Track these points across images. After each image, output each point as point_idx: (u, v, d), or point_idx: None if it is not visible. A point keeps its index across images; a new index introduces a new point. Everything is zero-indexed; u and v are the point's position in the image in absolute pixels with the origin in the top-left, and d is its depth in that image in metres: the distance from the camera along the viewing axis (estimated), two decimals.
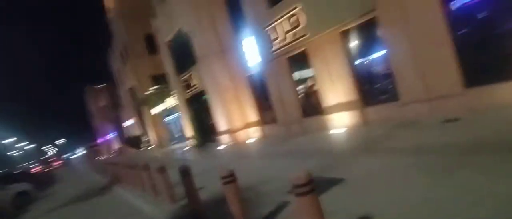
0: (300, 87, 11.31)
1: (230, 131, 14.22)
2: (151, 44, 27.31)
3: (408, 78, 7.50)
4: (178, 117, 26.70)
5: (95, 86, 51.62)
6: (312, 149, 8.25)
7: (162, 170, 6.46)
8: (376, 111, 8.54)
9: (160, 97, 23.40)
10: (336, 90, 9.43)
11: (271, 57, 11.45)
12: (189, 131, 18.84)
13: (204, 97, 16.60)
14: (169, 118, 27.73)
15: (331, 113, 9.78)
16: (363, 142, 7.22)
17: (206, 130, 17.51)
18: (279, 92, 11.78)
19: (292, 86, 11.22)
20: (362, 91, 8.93)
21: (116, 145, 49.34)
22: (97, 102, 52.53)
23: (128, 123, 36.40)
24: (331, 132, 9.52)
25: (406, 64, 7.48)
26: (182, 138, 26.35)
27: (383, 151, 6.04)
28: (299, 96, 11.23)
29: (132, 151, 31.39)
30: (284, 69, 11.28)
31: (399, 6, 7.25)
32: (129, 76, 28.89)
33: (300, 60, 10.76)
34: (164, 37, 18.05)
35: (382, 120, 8.30)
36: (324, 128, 10.12)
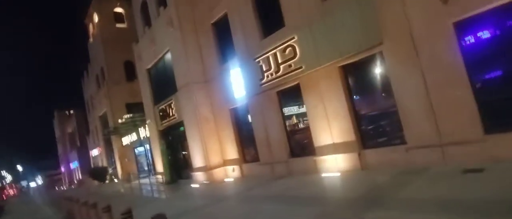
0: (289, 124, 10.15)
1: (206, 168, 12.49)
2: (129, 71, 25.81)
3: (417, 120, 6.55)
4: (149, 150, 24.54)
5: (64, 111, 47.82)
6: (304, 194, 6.83)
7: (107, 209, 4.89)
8: (377, 155, 7.42)
9: (133, 126, 21.30)
10: (331, 129, 8.32)
11: (259, 90, 10.33)
12: (160, 165, 16.76)
13: (181, 128, 14.98)
14: (140, 149, 25.36)
15: (323, 154, 8.55)
16: (367, 189, 5.95)
17: (179, 166, 15.59)
18: (265, 128, 10.51)
19: (281, 122, 10.01)
20: (362, 132, 7.87)
21: (78, 176, 44.63)
22: (64, 128, 48.37)
23: (95, 152, 33.08)
24: (323, 175, 8.22)
25: (415, 104, 6.57)
26: (152, 172, 23.94)
27: (398, 203, 4.79)
28: (288, 134, 10.01)
29: (95, 183, 27.95)
30: (273, 103, 10.14)
31: (409, 40, 6.51)
32: (102, 102, 26.61)
33: (291, 95, 9.72)
34: (145, 64, 16.66)
35: (384, 165, 7.16)
36: (314, 170, 8.81)
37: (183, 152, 15.22)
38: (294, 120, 10.03)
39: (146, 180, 20.34)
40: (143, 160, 25.59)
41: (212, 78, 12.86)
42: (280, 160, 10.07)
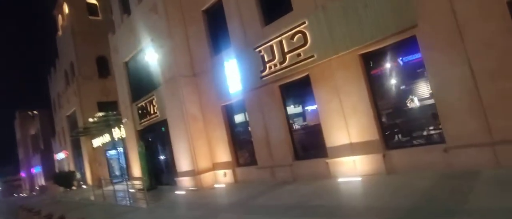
0: (294, 122, 8.82)
1: (193, 173, 10.79)
2: (102, 67, 23.38)
3: (461, 115, 5.49)
4: (123, 152, 22.18)
5: (27, 112, 43.22)
6: (330, 204, 5.48)
7: None
8: (406, 156, 6.27)
9: (106, 126, 18.96)
10: (348, 127, 7.09)
11: (259, 83, 8.93)
12: (137, 170, 14.70)
13: (163, 128, 13.14)
14: (113, 152, 22.84)
15: (338, 156, 7.30)
16: (418, 197, 4.70)
17: (160, 170, 13.68)
18: (265, 127, 9.10)
19: (284, 120, 8.65)
20: (387, 130, 6.72)
21: (41, 181, 40.28)
22: (26, 130, 43.69)
23: (61, 156, 29.70)
24: (340, 180, 6.94)
25: (458, 97, 5.50)
26: (125, 178, 21.54)
27: (479, 216, 3.58)
28: (292, 133, 8.66)
29: (59, 190, 24.79)
30: (274, 99, 8.78)
31: (451, 21, 5.46)
32: (71, 100, 23.77)
33: (298, 88, 8.42)
34: (123, 57, 14.63)
35: (416, 168, 6.03)
36: (325, 175, 7.54)
37: (165, 155, 13.37)
38: (300, 117, 8.72)
39: (120, 186, 18.05)
40: (116, 164, 23.06)
41: (202, 72, 11.26)
42: (282, 164, 8.69)
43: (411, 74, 6.34)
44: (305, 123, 8.60)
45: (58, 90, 27.85)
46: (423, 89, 6.11)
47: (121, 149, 22.47)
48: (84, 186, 22.69)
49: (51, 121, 33.71)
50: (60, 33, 26.28)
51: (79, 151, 23.95)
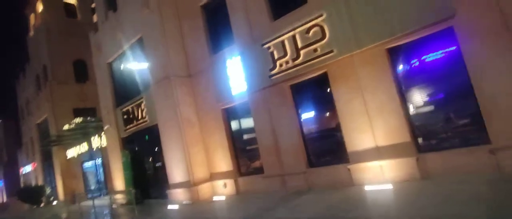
0: (308, 125, 8.10)
1: (189, 184, 9.75)
2: (80, 71, 21.79)
3: (509, 111, 5.03)
4: (101, 164, 20.51)
5: None
6: (368, 216, 4.78)
7: None
8: (443, 159, 5.71)
9: (83, 135, 17.38)
10: (373, 129, 6.48)
11: (267, 83, 8.20)
12: (120, 182, 13.34)
13: (148, 136, 12.04)
14: (90, 164, 21.06)
15: (361, 161, 6.64)
16: (476, 205, 4.09)
17: (147, 182, 12.43)
18: (273, 131, 8.33)
19: (295, 123, 7.93)
20: (419, 131, 6.17)
21: (3, 198, 36.80)
22: None
23: (28, 169, 27.17)
24: (368, 188, 6.25)
25: (504, 91, 5.06)
26: (103, 192, 19.83)
27: None
28: (305, 137, 7.95)
29: (24, 207, 22.39)
30: (285, 99, 8.07)
31: (495, 11, 5.06)
32: (42, 107, 21.81)
33: (312, 87, 7.77)
34: (106, 57, 13.45)
35: (455, 172, 5.47)
36: (346, 182, 6.85)
37: (154, 165, 12.19)
38: (315, 119, 8.04)
39: (98, 201, 16.47)
40: (92, 177, 21.24)
41: (198, 72, 10.38)
42: (294, 171, 7.92)
43: (446, 68, 5.86)
44: (321, 125, 7.93)
45: (28, 96, 25.64)
46: (461, 84, 5.63)
47: (99, 160, 20.84)
48: (55, 202, 20.62)
49: (18, 130, 31.04)
50: (31, 33, 24.38)
51: (49, 163, 21.87)
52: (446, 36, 5.68)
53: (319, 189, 7.27)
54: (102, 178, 20.86)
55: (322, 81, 7.35)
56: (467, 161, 5.41)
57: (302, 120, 7.98)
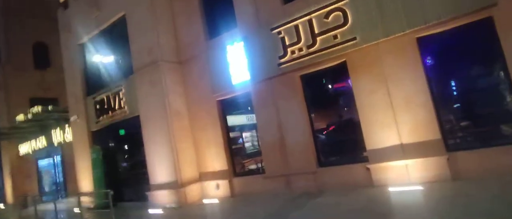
0: (318, 119, 7.46)
1: (177, 184, 8.64)
2: (40, 56, 19.50)
3: None
4: (61, 161, 18.41)
5: None
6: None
7: None
8: (477, 158, 5.31)
9: (41, 127, 15.36)
10: (398, 124, 5.98)
11: (274, 72, 7.48)
12: (87, 182, 11.75)
13: (123, 129, 10.74)
14: (45, 162, 18.81)
15: (383, 160, 6.11)
16: None
17: (121, 182, 11.03)
18: (278, 126, 7.58)
19: (305, 117, 7.25)
20: (450, 127, 5.77)
21: None
22: None
23: None
24: (392, 189, 5.71)
25: None
26: (62, 194, 17.73)
27: None
28: (315, 133, 7.28)
29: None
30: (293, 91, 7.37)
31: None
32: None
33: (327, 78, 7.19)
34: (78, 37, 11.87)
35: (492, 172, 5.10)
36: (364, 183, 6.29)
37: (131, 162, 10.84)
38: (327, 113, 7.42)
39: (58, 205, 14.57)
40: (49, 177, 18.98)
41: (191, 58, 9.37)
42: (302, 171, 7.22)
43: (483, 60, 5.56)
44: (334, 120, 7.33)
45: None
46: (498, 78, 5.32)
47: (58, 158, 18.66)
48: (1, 206, 18.02)
49: None
50: None
51: None
52: (484, 26, 5.36)
53: (333, 190, 6.62)
54: (61, 178, 18.73)
55: (340, 71, 6.78)
56: (506, 160, 5.06)
57: (312, 114, 7.32)
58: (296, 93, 7.35)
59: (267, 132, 7.82)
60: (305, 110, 7.29)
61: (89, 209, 10.99)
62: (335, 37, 6.54)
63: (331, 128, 7.30)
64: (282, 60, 7.30)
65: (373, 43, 6.16)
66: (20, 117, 14.51)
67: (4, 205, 17.88)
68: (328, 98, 7.33)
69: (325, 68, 6.94)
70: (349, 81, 6.61)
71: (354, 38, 6.30)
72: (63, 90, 17.75)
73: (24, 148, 17.19)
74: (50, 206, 11.98)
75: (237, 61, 8.24)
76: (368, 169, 6.29)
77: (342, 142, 7.08)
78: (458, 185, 5.23)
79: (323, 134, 7.29)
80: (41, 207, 14.82)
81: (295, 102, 7.35)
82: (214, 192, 8.75)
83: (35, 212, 10.91)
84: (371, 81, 6.29)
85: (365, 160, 6.41)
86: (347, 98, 6.79)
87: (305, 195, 6.79)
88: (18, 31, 18.83)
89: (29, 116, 13.97)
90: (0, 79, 18.22)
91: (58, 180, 18.79)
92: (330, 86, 7.22)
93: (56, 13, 13.73)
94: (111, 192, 7.59)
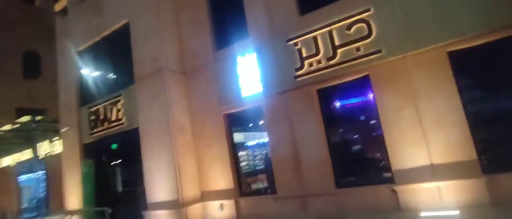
0: (336, 136, 6.91)
1: (178, 204, 7.80)
2: (30, 65, 18.54)
3: None
4: (45, 176, 17.15)
5: None
6: None
7: None
8: None
9: (26, 139, 14.21)
10: (428, 143, 5.49)
11: (289, 86, 6.97)
12: (75, 198, 10.67)
13: (114, 145, 9.90)
14: (26, 177, 17.44)
15: (411, 181, 5.57)
16: None
17: (116, 199, 10.04)
18: (293, 143, 6.98)
19: (322, 134, 6.67)
20: (489, 147, 5.30)
21: None
22: None
23: None
24: (424, 214, 5.15)
25: None
26: (43, 211, 16.30)
27: None
28: (333, 151, 6.70)
29: None
30: (309, 106, 6.84)
31: None
32: None
33: (347, 92, 6.68)
34: (76, 44, 11.13)
35: None
36: (390, 207, 5.70)
37: (126, 179, 9.91)
38: (348, 130, 6.88)
39: None
40: (30, 193, 17.56)
41: (196, 69, 8.78)
42: (319, 192, 6.58)
43: None
44: (355, 138, 6.78)
45: None
46: None
47: (42, 172, 17.34)
48: None
49: None
50: None
51: None
52: None
53: (355, 214, 6.00)
54: (44, 194, 17.35)
55: (361, 85, 6.32)
56: None
57: (330, 130, 6.77)
58: (312, 107, 6.83)
59: (280, 149, 7.20)
60: (322, 126, 6.74)
61: None
62: (357, 49, 6.14)
63: (350, 146, 6.74)
64: (299, 72, 6.82)
65: (400, 56, 5.76)
66: (6, 127, 13.39)
67: None
68: (347, 114, 6.82)
69: (346, 82, 6.48)
70: (372, 96, 6.15)
71: (379, 51, 5.90)
72: (53, 101, 16.76)
73: (6, 161, 15.87)
74: None
75: (247, 73, 7.71)
76: (394, 191, 5.73)
77: (363, 161, 6.52)
78: (500, 212, 4.71)
79: (343, 153, 6.70)
80: None
81: (311, 117, 6.81)
82: (218, 213, 7.95)
83: None
84: (397, 96, 5.84)
85: (390, 181, 5.85)
86: (370, 114, 6.31)
87: (327, 218, 6.13)
88: (8, 40, 17.88)
89: (15, 126, 12.89)
90: None
91: (40, 196, 17.41)
92: (350, 101, 6.73)
93: (51, 22, 13.05)
94: (109, 210, 6.70)
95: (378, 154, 6.12)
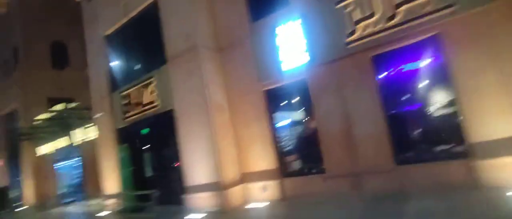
0: (396, 107, 6.11)
1: (219, 186, 7.35)
2: (58, 56, 18.48)
3: None
4: (81, 162, 17.43)
5: None
6: None
7: None
8: None
9: (62, 127, 14.26)
10: None
11: (339, 54, 6.19)
12: (112, 183, 10.54)
13: (147, 128, 9.53)
14: (63, 163, 17.75)
15: (497, 155, 4.74)
16: None
17: (154, 183, 9.78)
18: (344, 117, 6.26)
19: (378, 105, 5.93)
20: None
21: None
22: None
23: None
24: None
25: None
26: (80, 196, 16.63)
27: None
28: (391, 124, 5.93)
29: None
30: (364, 74, 6.05)
31: None
32: (11, 95, 18.19)
33: (408, 56, 5.81)
34: (103, 28, 10.74)
35: None
36: (464, 183, 4.93)
37: (163, 162, 9.57)
38: (410, 99, 6.04)
39: (75, 207, 13.48)
40: (67, 178, 17.91)
41: (232, 45, 8.12)
42: (375, 170, 5.87)
43: None
44: (417, 108, 5.93)
45: None
46: None
47: (77, 159, 17.62)
48: (22, 208, 16.98)
49: None
50: (2, 9, 20.68)
51: (16, 161, 18.18)
52: None
53: (420, 191, 5.25)
54: (80, 179, 17.68)
55: (428, 48, 5.45)
56: None
57: (388, 101, 5.98)
58: (367, 76, 6.04)
59: (328, 125, 6.50)
60: (378, 97, 5.96)
61: (117, 212, 9.77)
62: (423, 5, 5.22)
63: (411, 118, 5.93)
64: (350, 38, 5.99)
65: (480, 8, 4.83)
66: (42, 116, 13.46)
67: (25, 207, 16.85)
68: (408, 82, 5.94)
69: (408, 45, 5.62)
70: (443, 58, 5.27)
71: (453, 4, 4.97)
72: (80, 90, 16.82)
73: (44, 149, 16.11)
74: (72, 209, 10.84)
75: (288, 45, 6.98)
76: (470, 166, 4.92)
77: (429, 134, 5.70)
78: None
79: (404, 126, 5.91)
80: (61, 209, 13.75)
81: (365, 88, 6.04)
82: (261, 194, 7.44)
83: (59, 216, 9.68)
84: (477, 57, 4.94)
85: (465, 155, 5.05)
86: (438, 80, 5.46)
87: (385, 197, 5.44)
88: (37, 30, 17.89)
89: (51, 115, 12.90)
90: (18, 78, 17.32)
91: (76, 182, 17.76)
92: (412, 67, 5.85)
93: (76, 11, 12.73)
94: (157, 193, 6.32)
95: (449, 126, 5.30)
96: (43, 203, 15.62)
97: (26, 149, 16.76)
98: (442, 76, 5.31)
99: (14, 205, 17.41)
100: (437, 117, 5.59)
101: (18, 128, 16.93)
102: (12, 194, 17.60)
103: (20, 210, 16.42)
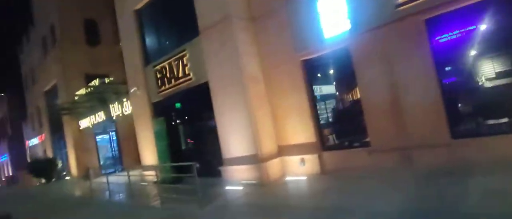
0: (451, 75, 5.56)
1: (256, 159, 7.29)
2: (91, 33, 18.92)
3: None
4: (115, 136, 18.22)
5: None
6: None
7: None
8: None
9: (100, 101, 14.81)
10: None
11: (387, 19, 5.62)
12: (150, 156, 10.90)
13: (182, 100, 9.52)
14: (102, 136, 18.68)
15: None
16: None
17: (186, 156, 9.99)
18: (392, 87, 5.79)
19: (431, 73, 5.38)
20: None
21: (8, 171, 34.72)
22: None
23: (34, 141, 24.77)
24: None
25: None
26: (119, 168, 17.56)
27: None
28: (446, 94, 5.42)
29: (34, 181, 20.10)
30: (415, 40, 5.47)
31: None
32: (51, 71, 19.11)
33: (469, 17, 5.14)
34: (133, 3, 10.61)
35: None
36: None
37: (199, 135, 9.66)
38: (469, 66, 5.46)
39: (121, 178, 14.18)
40: (106, 151, 18.90)
41: (266, 14, 7.69)
42: (428, 143, 5.46)
43: None
44: (479, 76, 5.35)
45: (32, 62, 22.85)
46: None
47: (113, 132, 18.44)
48: (67, 178, 18.35)
49: (22, 101, 28.37)
50: None
51: (59, 134, 19.41)
52: None
53: (480, 167, 4.81)
54: (117, 152, 18.58)
55: (489, 8, 4.75)
56: None
57: (444, 69, 5.42)
58: (419, 42, 5.46)
59: (374, 96, 6.07)
60: (432, 65, 5.39)
61: (154, 183, 10.13)
62: None
63: (471, 88, 5.36)
64: (400, 0, 5.38)
65: None
66: (81, 91, 13.99)
67: (70, 177, 18.18)
68: (467, 47, 5.31)
69: (466, 6, 4.93)
70: (505, 21, 4.58)
71: None
72: (113, 66, 17.16)
73: (84, 123, 16.98)
74: (114, 179, 11.40)
75: (328, 11, 6.44)
76: None
77: (489, 105, 5.15)
78: None
79: (462, 95, 5.37)
80: (103, 179, 14.56)
81: (417, 55, 5.48)
82: (298, 168, 7.29)
83: (106, 185, 10.22)
84: None
85: None
86: (500, 45, 4.82)
87: (440, 174, 5.05)
88: (71, 9, 18.27)
89: (89, 90, 13.36)
90: (57, 54, 18.01)
91: (114, 154, 18.70)
92: (471, 31, 5.18)
93: None
94: (197, 165, 6.38)
95: None
96: (86, 173, 16.69)
97: (68, 123, 17.78)
98: (505, 41, 4.64)
99: (60, 175, 18.83)
100: (499, 86, 4.99)
101: (58, 103, 17.88)
102: (58, 165, 18.93)
103: (66, 180, 17.71)
